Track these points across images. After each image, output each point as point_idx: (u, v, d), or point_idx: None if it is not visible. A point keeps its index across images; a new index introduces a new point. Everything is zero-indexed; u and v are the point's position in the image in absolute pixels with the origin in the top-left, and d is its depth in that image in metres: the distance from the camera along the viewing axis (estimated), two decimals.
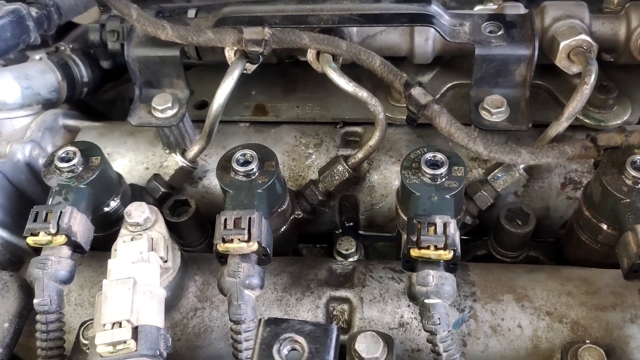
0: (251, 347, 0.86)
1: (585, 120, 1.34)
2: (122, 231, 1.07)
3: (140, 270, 0.97)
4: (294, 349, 0.81)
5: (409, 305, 1.11)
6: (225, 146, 1.36)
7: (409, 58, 1.41)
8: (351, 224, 1.42)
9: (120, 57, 1.50)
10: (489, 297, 1.12)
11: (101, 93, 1.82)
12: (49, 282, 0.98)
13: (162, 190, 1.29)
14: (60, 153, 1.13)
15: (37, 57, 1.52)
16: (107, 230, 1.19)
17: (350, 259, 1.31)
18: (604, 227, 1.12)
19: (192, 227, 1.29)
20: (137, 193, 1.27)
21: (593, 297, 1.10)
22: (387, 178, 1.35)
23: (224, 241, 1.00)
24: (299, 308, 1.13)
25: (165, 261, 1.05)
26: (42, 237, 1.00)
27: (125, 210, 1.08)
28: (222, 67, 1.25)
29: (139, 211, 1.07)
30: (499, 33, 1.25)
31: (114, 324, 0.88)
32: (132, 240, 1.04)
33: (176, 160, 1.29)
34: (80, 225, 1.04)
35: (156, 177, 1.30)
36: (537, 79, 1.36)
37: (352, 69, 1.27)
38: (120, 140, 1.44)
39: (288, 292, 1.14)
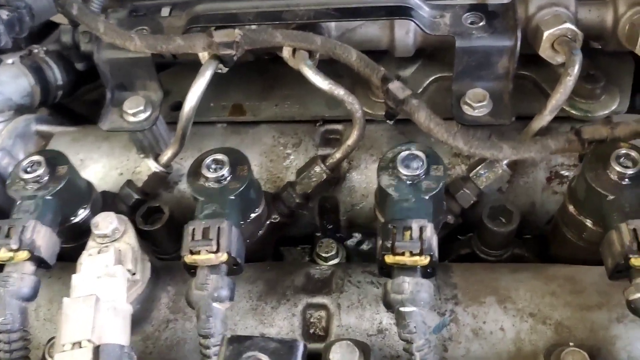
0: None
1: (572, 111, 1.30)
2: (90, 243, 1.04)
3: (104, 286, 0.94)
4: None
5: (387, 311, 1.07)
6: (201, 149, 1.31)
7: (390, 51, 1.37)
8: (331, 225, 1.38)
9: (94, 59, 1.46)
10: (470, 300, 1.08)
11: (83, 94, 1.78)
12: (11, 300, 0.95)
13: (135, 197, 1.26)
14: (24, 163, 1.09)
15: (10, 61, 1.48)
16: (78, 241, 1.15)
17: (331, 262, 1.28)
18: (589, 224, 1.08)
19: (167, 235, 1.26)
20: (109, 201, 1.24)
21: (578, 297, 1.07)
22: (367, 177, 1.31)
23: (191, 253, 0.97)
24: (274, 317, 1.10)
25: (134, 274, 1.02)
26: (4, 254, 0.97)
27: (92, 221, 1.05)
28: (199, 66, 1.21)
29: (106, 222, 1.04)
30: (481, 24, 1.21)
31: (74, 344, 0.85)
32: (98, 252, 1.00)
33: (149, 166, 1.25)
34: (44, 239, 1.01)
35: (129, 183, 1.27)
36: (522, 69, 1.31)
37: (331, 65, 1.23)
38: (94, 145, 1.41)
39: (263, 301, 1.11)
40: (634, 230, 0.93)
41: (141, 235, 1.14)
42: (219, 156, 1.09)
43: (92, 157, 1.39)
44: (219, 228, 0.98)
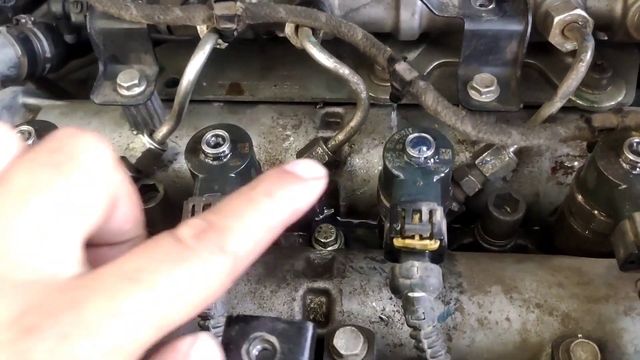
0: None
1: (578, 101, 1.27)
2: None
3: None
4: (265, 349, 0.73)
5: (391, 298, 1.04)
6: (197, 127, 1.27)
7: (394, 34, 1.33)
8: (331, 210, 1.34)
9: (85, 31, 1.39)
10: (476, 289, 1.05)
11: (70, 72, 1.72)
12: None
13: (129, 174, 1.20)
14: None
15: None
16: None
17: (330, 248, 1.24)
18: (598, 214, 1.06)
19: (161, 214, 1.20)
20: None
21: (585, 289, 1.04)
22: (369, 162, 1.27)
23: None
24: (273, 301, 1.05)
25: None
26: None
27: None
28: (195, 43, 1.16)
29: None
30: (490, 7, 1.18)
31: None
32: None
33: (143, 142, 1.19)
34: None
35: (122, 160, 1.21)
36: (528, 57, 1.28)
37: (333, 47, 1.18)
38: (84, 120, 1.35)
39: (262, 284, 1.07)
40: None
41: None
42: (220, 132, 1.05)
43: None
44: None
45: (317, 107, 1.35)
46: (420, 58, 1.38)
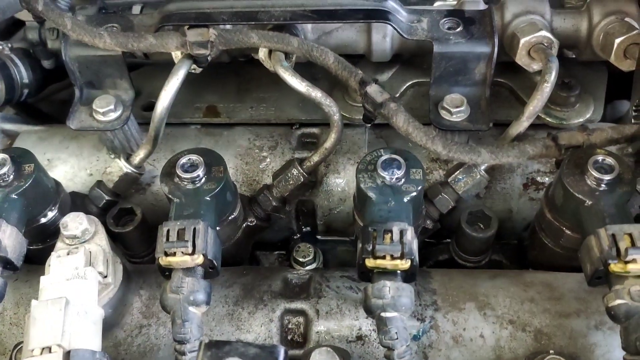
0: None
1: (547, 118, 1.30)
2: (58, 244, 0.99)
3: (75, 288, 0.90)
4: None
5: (367, 317, 1.06)
6: (174, 150, 1.28)
7: (367, 56, 1.36)
8: (309, 229, 1.36)
9: (62, 57, 1.41)
10: (450, 306, 1.07)
11: (51, 94, 1.72)
12: None
13: (106, 198, 1.21)
14: None
15: None
16: (45, 243, 1.12)
17: (309, 267, 1.26)
18: (566, 230, 1.08)
19: (139, 237, 1.22)
20: (78, 202, 1.19)
21: (556, 304, 1.07)
22: (345, 181, 1.29)
23: (166, 254, 0.94)
24: (251, 322, 1.07)
25: (105, 276, 0.98)
26: None
27: (61, 221, 1.00)
28: (171, 66, 1.18)
29: (76, 222, 1.00)
30: (458, 30, 1.21)
31: (43, 348, 0.81)
32: (67, 254, 0.96)
33: (120, 166, 1.21)
34: (10, 239, 0.97)
35: (99, 184, 1.23)
36: (498, 76, 1.32)
37: (307, 68, 1.21)
38: (62, 144, 1.36)
39: (240, 306, 1.08)
40: (613, 235, 0.93)
41: (112, 237, 1.10)
42: (194, 156, 1.06)
43: (60, 157, 1.34)
44: (194, 229, 0.95)
45: (293, 128, 1.37)
46: (393, 78, 1.41)
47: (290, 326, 1.08)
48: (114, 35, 1.14)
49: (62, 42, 1.22)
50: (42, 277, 0.93)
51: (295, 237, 1.37)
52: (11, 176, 1.04)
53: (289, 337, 1.07)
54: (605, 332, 1.02)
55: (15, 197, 1.03)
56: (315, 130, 1.37)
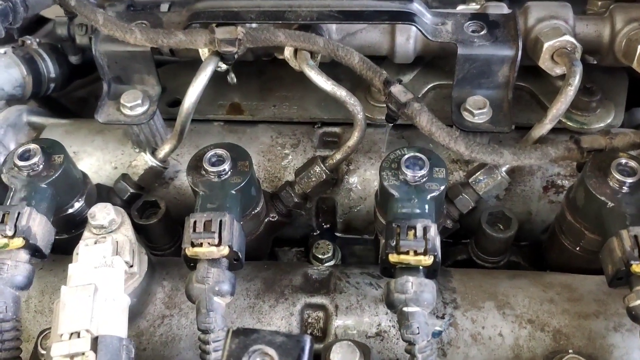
0: (220, 358, 0.81)
1: (568, 122, 1.31)
2: (86, 234, 1.01)
3: (102, 276, 0.91)
4: None
5: (386, 313, 1.07)
6: (198, 145, 1.31)
7: (390, 57, 1.37)
8: (328, 226, 1.37)
9: (89, 52, 1.43)
10: (469, 305, 1.08)
11: (72, 90, 1.75)
12: (4, 288, 0.91)
13: (131, 191, 1.23)
14: (20, 151, 1.06)
15: (2, 51, 1.45)
16: (70, 233, 1.13)
17: (327, 264, 1.27)
18: (587, 232, 1.09)
19: (162, 230, 1.23)
20: (103, 194, 1.21)
21: (576, 305, 1.07)
22: (365, 180, 1.30)
23: (192, 245, 0.95)
24: (272, 316, 1.08)
25: (131, 266, 0.99)
26: None
27: (89, 211, 1.02)
28: (196, 64, 1.20)
29: (103, 213, 1.02)
30: (482, 33, 1.22)
31: (71, 334, 0.82)
32: (95, 243, 0.98)
33: (145, 160, 1.23)
34: (39, 227, 0.98)
35: (124, 177, 1.25)
36: (519, 80, 1.33)
37: (331, 69, 1.22)
38: (88, 138, 1.38)
39: (261, 299, 1.09)
40: (635, 236, 0.94)
41: (135, 230, 1.11)
42: (220, 151, 1.08)
43: (86, 150, 1.36)
44: (220, 221, 0.97)
45: (315, 126, 1.39)
46: (415, 80, 1.42)
47: (310, 320, 1.09)
48: (145, 31, 1.17)
49: (93, 38, 1.25)
50: (70, 265, 0.94)
51: (314, 234, 1.38)
52: (41, 166, 1.06)
53: (309, 331, 1.08)
54: (624, 334, 1.03)
55: (45, 186, 1.04)
56: (336, 129, 1.39)
